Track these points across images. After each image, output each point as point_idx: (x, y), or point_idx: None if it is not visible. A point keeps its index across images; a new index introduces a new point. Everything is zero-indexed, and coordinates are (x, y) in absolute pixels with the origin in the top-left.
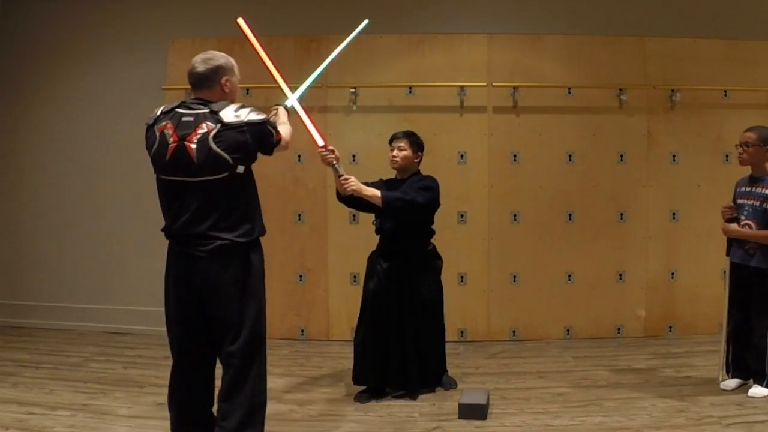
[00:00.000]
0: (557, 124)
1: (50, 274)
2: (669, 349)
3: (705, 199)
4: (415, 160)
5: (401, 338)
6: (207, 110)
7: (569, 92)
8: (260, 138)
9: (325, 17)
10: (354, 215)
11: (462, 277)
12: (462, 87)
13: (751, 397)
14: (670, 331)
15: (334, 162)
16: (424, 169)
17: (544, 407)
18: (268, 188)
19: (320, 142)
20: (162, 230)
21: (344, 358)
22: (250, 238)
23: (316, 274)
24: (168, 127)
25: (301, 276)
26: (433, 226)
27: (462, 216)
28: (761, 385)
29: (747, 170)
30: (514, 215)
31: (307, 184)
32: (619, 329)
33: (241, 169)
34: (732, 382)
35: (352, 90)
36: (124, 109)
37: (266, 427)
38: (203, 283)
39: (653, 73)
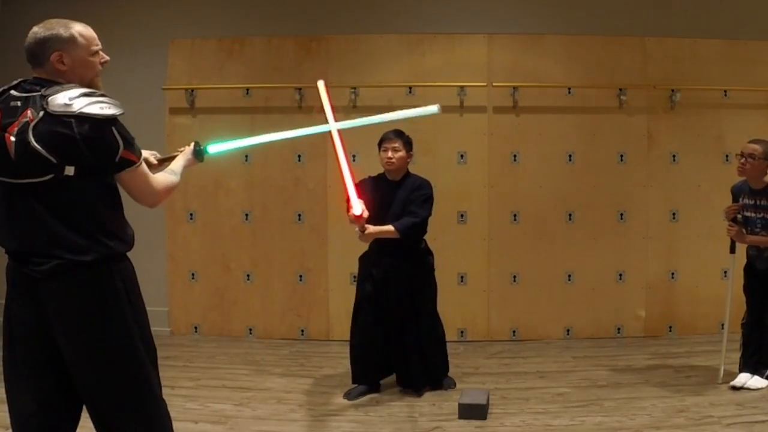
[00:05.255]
0: (557, 124)
1: None
2: (669, 349)
3: (705, 199)
4: (408, 160)
5: (401, 337)
6: (39, 93)
7: (569, 92)
8: (95, 142)
9: (325, 17)
10: None
11: (462, 277)
12: (462, 87)
13: (748, 387)
14: (670, 331)
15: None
16: (424, 169)
17: (544, 407)
18: (269, 188)
19: (357, 211)
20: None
21: (344, 358)
22: (97, 256)
23: (316, 274)
24: None
25: (301, 276)
26: (427, 227)
27: (462, 216)
28: (762, 376)
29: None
30: (514, 215)
31: (307, 184)
32: (619, 329)
33: (70, 170)
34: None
35: (352, 90)
36: (124, 109)
37: (267, 428)
38: (47, 312)
39: (653, 73)
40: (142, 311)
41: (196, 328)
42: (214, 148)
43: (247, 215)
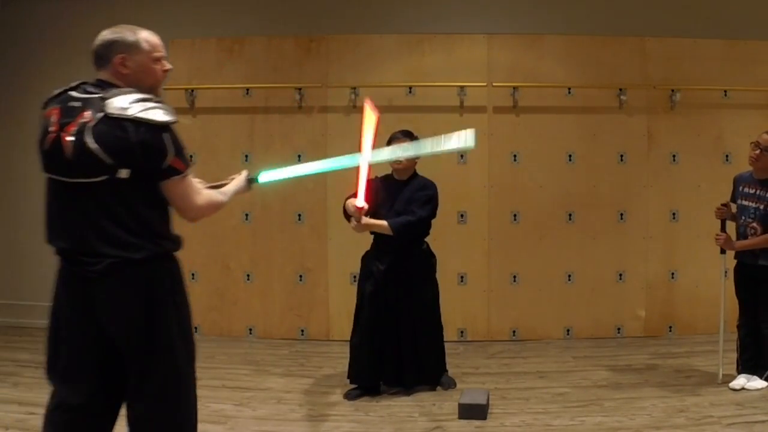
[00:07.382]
0: (557, 124)
1: (50, 274)
2: (669, 349)
3: (705, 199)
4: (416, 161)
5: (398, 338)
6: (99, 95)
7: (569, 92)
8: (147, 146)
9: (325, 17)
10: None
11: (462, 277)
12: (462, 87)
13: (747, 389)
14: (670, 331)
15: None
16: (424, 169)
17: (544, 407)
18: (269, 188)
19: (360, 204)
20: (49, 243)
21: (344, 358)
22: (149, 254)
23: (316, 274)
24: (54, 113)
25: (301, 276)
26: (429, 228)
27: (462, 216)
28: (761, 377)
29: (747, 166)
30: (514, 215)
31: (307, 184)
32: (619, 329)
33: (125, 173)
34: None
35: (352, 90)
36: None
37: (267, 428)
38: (99, 310)
39: (653, 73)
40: (185, 310)
41: (196, 328)
42: (264, 177)
43: (247, 215)
